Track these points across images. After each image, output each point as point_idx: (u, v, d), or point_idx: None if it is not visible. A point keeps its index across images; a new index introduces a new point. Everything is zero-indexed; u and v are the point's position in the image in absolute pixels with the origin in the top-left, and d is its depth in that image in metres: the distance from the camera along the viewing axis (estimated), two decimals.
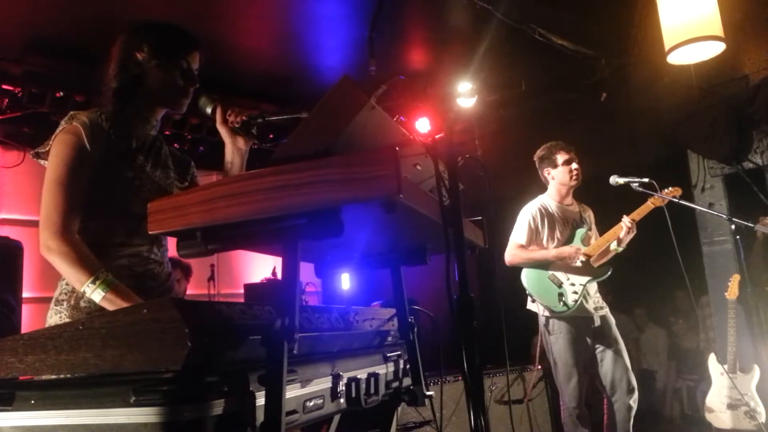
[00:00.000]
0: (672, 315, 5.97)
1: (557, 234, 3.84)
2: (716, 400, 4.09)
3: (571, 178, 3.84)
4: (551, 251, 3.77)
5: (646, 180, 3.58)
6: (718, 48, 3.29)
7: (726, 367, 4.07)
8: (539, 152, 3.99)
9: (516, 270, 3.90)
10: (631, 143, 4.09)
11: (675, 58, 3.35)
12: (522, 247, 3.84)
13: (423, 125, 4.05)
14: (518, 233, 3.87)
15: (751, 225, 3.38)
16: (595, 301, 3.78)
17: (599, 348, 3.72)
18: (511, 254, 3.87)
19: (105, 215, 1.78)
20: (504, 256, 3.89)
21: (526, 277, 3.85)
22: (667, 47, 3.28)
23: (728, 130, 4.62)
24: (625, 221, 3.68)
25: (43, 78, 4.38)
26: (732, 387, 3.93)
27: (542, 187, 4.04)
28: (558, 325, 3.69)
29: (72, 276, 1.65)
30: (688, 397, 5.54)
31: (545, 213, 3.88)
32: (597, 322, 3.71)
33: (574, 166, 3.83)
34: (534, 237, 3.84)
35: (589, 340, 3.71)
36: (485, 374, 4.59)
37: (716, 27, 3.16)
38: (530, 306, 3.88)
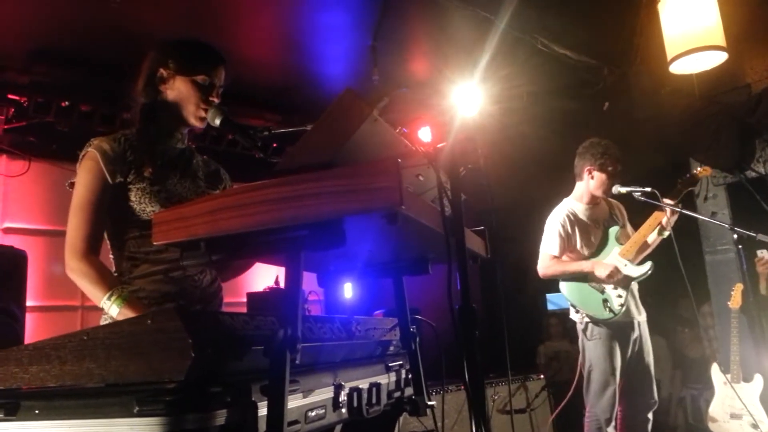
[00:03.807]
0: (678, 324, 5.95)
1: (592, 237, 3.69)
2: (719, 410, 4.08)
3: (604, 191, 3.67)
4: (587, 263, 3.58)
5: (648, 189, 3.53)
6: (720, 58, 3.30)
7: (729, 376, 4.05)
8: (589, 145, 3.75)
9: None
10: (633, 152, 4.09)
11: (677, 68, 3.37)
12: (555, 258, 3.66)
13: (425, 135, 4.06)
14: (549, 244, 3.70)
15: (753, 234, 3.37)
16: (638, 304, 3.63)
17: (632, 357, 3.58)
18: (544, 267, 3.69)
19: (139, 229, 1.87)
20: (537, 269, 3.73)
21: (566, 286, 3.68)
22: (669, 57, 3.29)
23: (731, 139, 4.62)
24: (667, 203, 3.47)
25: (48, 87, 4.40)
26: (735, 397, 3.92)
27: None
28: (598, 331, 3.53)
29: (91, 293, 1.77)
30: (692, 406, 5.52)
31: (574, 218, 3.72)
32: (636, 331, 3.58)
33: (613, 182, 3.66)
34: (566, 245, 3.67)
35: (628, 350, 3.56)
36: (487, 384, 4.58)
37: (718, 37, 3.18)
38: (573, 316, 3.71)
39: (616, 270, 3.50)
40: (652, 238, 3.64)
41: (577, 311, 3.65)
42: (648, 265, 3.55)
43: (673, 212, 3.50)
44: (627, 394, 3.61)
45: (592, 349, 3.54)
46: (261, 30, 4.33)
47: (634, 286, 3.64)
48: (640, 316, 3.63)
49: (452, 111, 4.16)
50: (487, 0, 3.94)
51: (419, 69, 4.94)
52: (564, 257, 3.69)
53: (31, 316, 4.10)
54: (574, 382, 3.85)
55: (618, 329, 3.54)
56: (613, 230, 3.72)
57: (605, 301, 3.53)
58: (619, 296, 3.52)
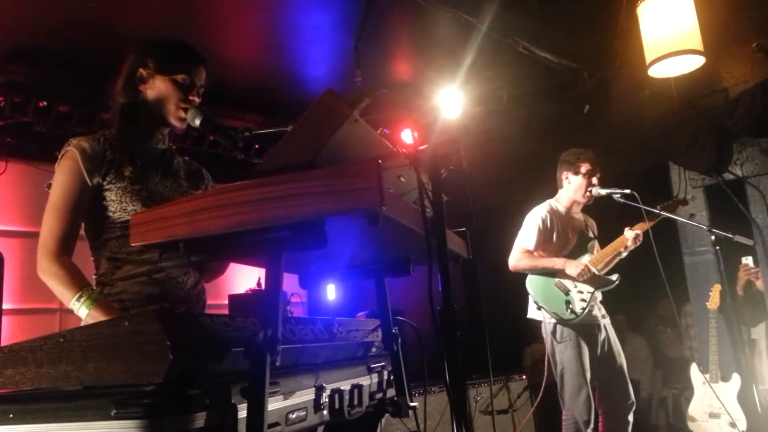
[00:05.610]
0: (659, 324, 6.01)
1: (569, 235, 3.76)
2: (698, 410, 4.13)
3: (583, 193, 3.77)
4: (559, 260, 3.64)
5: (627, 191, 3.61)
6: (697, 62, 3.34)
7: (708, 376, 4.10)
8: (565, 154, 3.90)
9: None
10: (613, 155, 4.14)
11: (656, 71, 3.41)
12: (529, 252, 3.70)
13: (407, 137, 4.07)
14: (525, 237, 3.74)
15: (731, 236, 3.43)
16: (600, 308, 3.71)
17: (604, 359, 3.63)
18: (516, 259, 3.73)
19: (120, 229, 1.84)
20: (508, 261, 3.76)
21: (532, 283, 3.72)
22: (648, 60, 3.33)
23: (708, 142, 4.68)
24: (630, 234, 3.67)
25: (25, 87, 4.34)
26: (713, 396, 3.96)
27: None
28: (567, 333, 3.56)
29: (60, 294, 1.73)
30: (674, 406, 5.57)
31: (555, 215, 3.79)
32: (603, 333, 3.64)
33: (594, 181, 3.76)
34: (543, 240, 3.71)
35: (597, 350, 3.61)
36: (470, 384, 4.59)
37: (696, 41, 3.22)
38: (533, 314, 3.75)
39: (587, 268, 3.59)
40: (619, 253, 3.79)
41: (539, 308, 3.69)
42: (615, 276, 3.72)
43: (635, 242, 3.69)
44: (605, 398, 3.65)
45: (562, 351, 3.59)
46: (243, 30, 4.30)
47: (598, 294, 3.72)
48: (605, 320, 3.71)
49: (434, 113, 4.16)
50: (469, 3, 3.95)
51: (402, 71, 4.94)
52: (536, 253, 3.74)
53: (7, 319, 4.03)
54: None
55: (584, 330, 3.60)
56: (586, 240, 3.84)
57: (568, 302, 3.60)
58: (583, 300, 3.60)
